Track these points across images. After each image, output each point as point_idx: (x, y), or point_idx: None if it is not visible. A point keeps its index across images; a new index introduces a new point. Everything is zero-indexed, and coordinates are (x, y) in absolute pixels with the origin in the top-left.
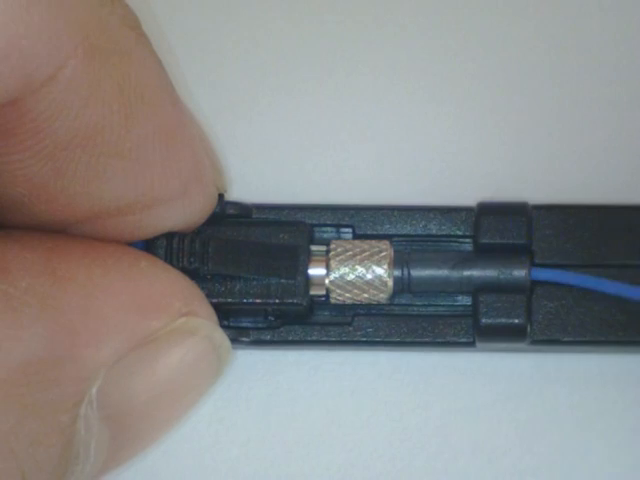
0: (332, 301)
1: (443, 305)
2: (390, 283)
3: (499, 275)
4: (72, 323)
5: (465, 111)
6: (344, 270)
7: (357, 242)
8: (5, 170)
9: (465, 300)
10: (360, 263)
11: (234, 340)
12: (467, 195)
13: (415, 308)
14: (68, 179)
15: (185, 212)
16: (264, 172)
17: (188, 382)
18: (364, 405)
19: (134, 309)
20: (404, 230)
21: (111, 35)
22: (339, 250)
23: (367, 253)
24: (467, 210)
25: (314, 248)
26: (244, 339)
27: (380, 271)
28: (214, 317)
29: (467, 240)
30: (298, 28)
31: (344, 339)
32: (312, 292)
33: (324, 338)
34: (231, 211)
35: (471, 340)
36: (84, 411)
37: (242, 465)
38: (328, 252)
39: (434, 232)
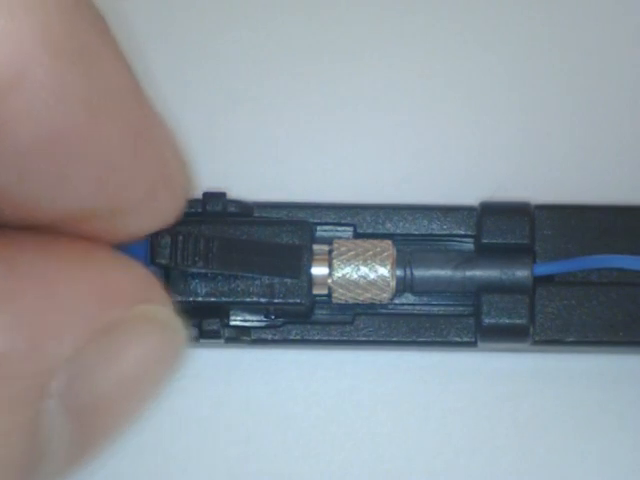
0: (334, 300)
1: (444, 305)
2: (393, 283)
3: (501, 275)
4: (31, 315)
5: (468, 110)
6: (347, 270)
7: (359, 242)
8: None
9: (466, 300)
10: (363, 263)
11: (235, 339)
12: (469, 194)
13: (416, 308)
14: (31, 184)
15: (154, 216)
16: (265, 170)
17: (149, 370)
18: (364, 404)
19: (93, 299)
20: (406, 229)
21: (78, 38)
22: (342, 250)
23: (370, 253)
24: (469, 210)
25: (317, 247)
26: (245, 338)
27: (383, 271)
28: (171, 305)
29: (469, 240)
30: (299, 27)
31: (345, 338)
32: (314, 291)
33: (325, 337)
34: (232, 209)
35: (473, 340)
36: (46, 406)
37: (242, 464)
38: (331, 252)
39: (436, 231)
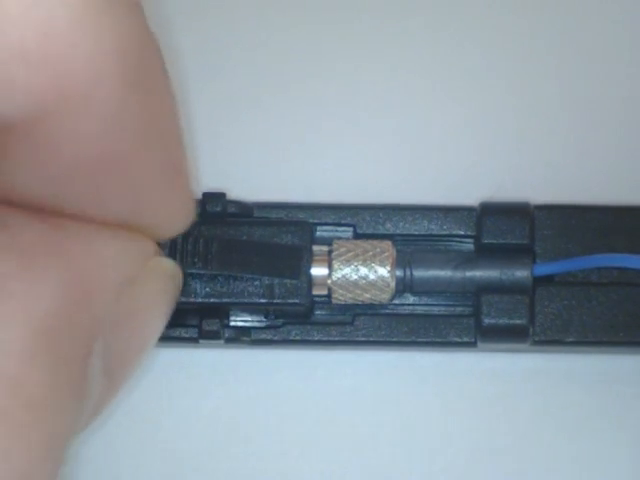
0: (334, 301)
1: (444, 305)
2: (392, 284)
3: (501, 275)
4: (79, 269)
5: (467, 110)
6: (346, 270)
7: (359, 242)
8: None
9: (466, 300)
10: (363, 263)
11: (235, 340)
12: (469, 195)
13: (416, 308)
14: (64, 203)
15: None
16: (264, 171)
17: (158, 317)
18: (364, 405)
19: (123, 252)
20: (405, 229)
21: (144, 67)
22: (341, 250)
23: (370, 253)
24: (469, 210)
25: (316, 248)
26: (245, 339)
27: (383, 272)
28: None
29: (469, 240)
30: (299, 27)
31: (345, 339)
32: (314, 292)
33: (325, 338)
34: (232, 210)
35: (472, 340)
36: (93, 362)
37: (242, 464)
38: (330, 252)
39: (435, 232)
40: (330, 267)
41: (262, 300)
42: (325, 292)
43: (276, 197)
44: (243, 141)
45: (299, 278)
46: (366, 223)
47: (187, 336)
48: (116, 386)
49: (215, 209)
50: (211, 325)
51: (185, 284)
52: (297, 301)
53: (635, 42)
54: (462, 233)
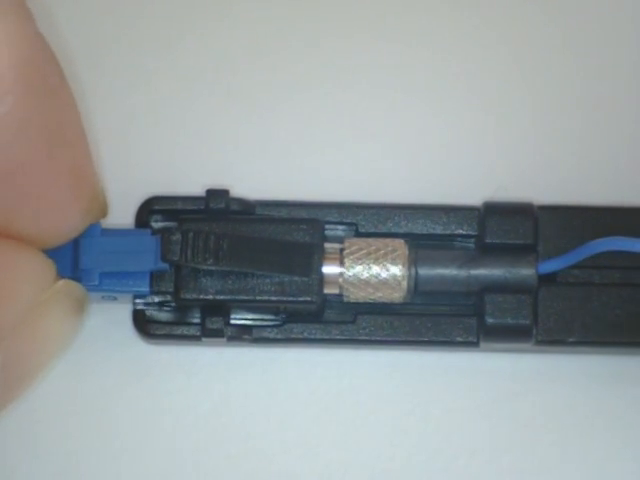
0: (345, 299)
1: (446, 304)
2: (404, 283)
3: (506, 274)
4: None
5: (471, 110)
6: (358, 269)
7: (371, 240)
8: None
9: (468, 299)
10: (375, 262)
11: (237, 338)
12: (472, 194)
13: (418, 307)
14: None
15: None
16: (267, 169)
17: (63, 336)
18: (364, 404)
19: (31, 272)
20: (408, 229)
21: (42, 73)
22: (353, 248)
23: (382, 252)
24: (472, 210)
25: (328, 246)
26: (246, 337)
27: (395, 270)
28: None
29: (471, 240)
30: (299, 27)
31: (347, 338)
32: (326, 290)
33: (327, 336)
34: (235, 207)
35: (475, 340)
36: None
37: (242, 463)
38: (342, 250)
39: (438, 231)
40: (342, 265)
41: (273, 298)
42: (337, 290)
43: (278, 195)
44: (246, 139)
45: (310, 276)
46: (368, 222)
47: (190, 334)
48: (10, 396)
49: (218, 206)
50: (214, 323)
51: (196, 281)
52: (308, 299)
53: (636, 43)
54: (464, 233)
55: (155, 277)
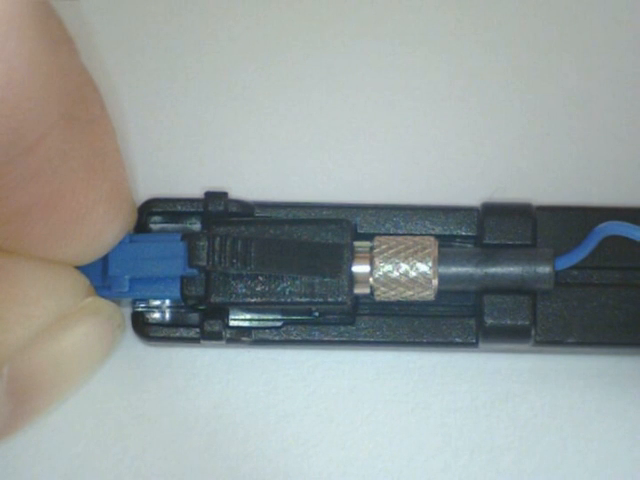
0: (377, 299)
1: (445, 305)
2: (435, 281)
3: (523, 273)
4: None
5: (470, 111)
6: (388, 267)
7: (401, 239)
8: None
9: (467, 300)
10: (404, 260)
11: (236, 340)
12: (471, 195)
13: (417, 308)
14: (19, 241)
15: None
16: (265, 170)
17: (87, 356)
18: (363, 404)
19: (52, 292)
20: (407, 229)
21: (84, 104)
22: (383, 247)
23: (411, 250)
24: (471, 210)
25: (357, 245)
26: (245, 339)
27: (425, 268)
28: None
29: (470, 240)
30: (299, 28)
31: (346, 339)
32: (356, 290)
33: (326, 338)
34: (233, 209)
35: (474, 341)
36: None
37: (241, 464)
38: (372, 249)
39: (437, 232)
40: (372, 264)
41: (303, 299)
42: (367, 290)
43: (277, 196)
44: (245, 140)
45: (339, 276)
46: (367, 223)
47: (189, 336)
48: (26, 414)
49: (217, 208)
50: (213, 326)
51: (225, 285)
52: (338, 299)
53: (636, 43)
54: (463, 233)
55: (185, 281)
